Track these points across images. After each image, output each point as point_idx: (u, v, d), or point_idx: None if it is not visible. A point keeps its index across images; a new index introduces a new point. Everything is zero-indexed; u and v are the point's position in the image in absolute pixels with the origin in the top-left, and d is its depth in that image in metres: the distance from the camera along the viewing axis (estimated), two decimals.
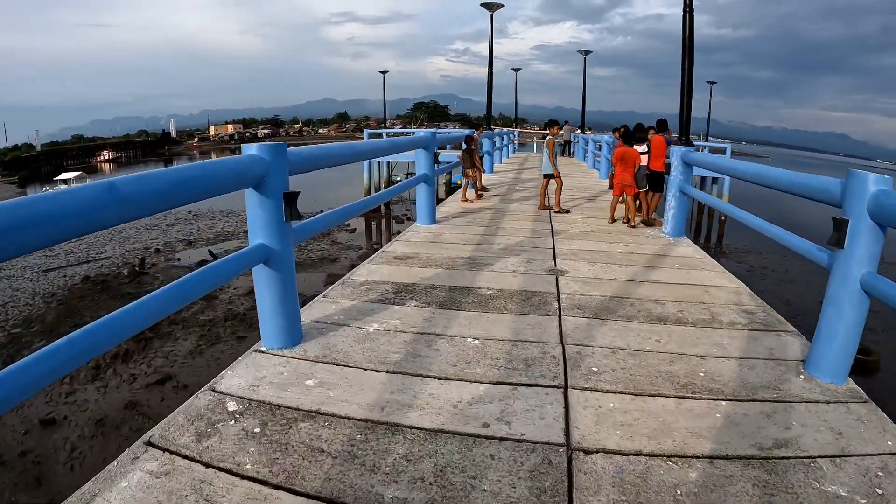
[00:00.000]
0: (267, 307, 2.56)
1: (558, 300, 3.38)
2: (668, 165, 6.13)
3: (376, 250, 5.05)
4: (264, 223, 2.45)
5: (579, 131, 21.70)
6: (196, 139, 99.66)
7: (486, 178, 10.47)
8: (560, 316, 3.09)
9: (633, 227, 6.27)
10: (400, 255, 4.53)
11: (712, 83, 27.99)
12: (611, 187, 9.66)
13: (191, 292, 2.01)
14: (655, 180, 6.52)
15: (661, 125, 6.96)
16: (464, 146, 8.53)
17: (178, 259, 13.99)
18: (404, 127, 79.02)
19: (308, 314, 3.03)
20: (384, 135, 24.94)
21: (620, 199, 6.65)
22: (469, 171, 8.29)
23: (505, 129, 19.34)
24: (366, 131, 24.90)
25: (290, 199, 2.53)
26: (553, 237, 5.55)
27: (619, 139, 7.59)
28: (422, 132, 5.80)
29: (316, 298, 3.37)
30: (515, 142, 23.43)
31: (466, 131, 10.40)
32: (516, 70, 27.38)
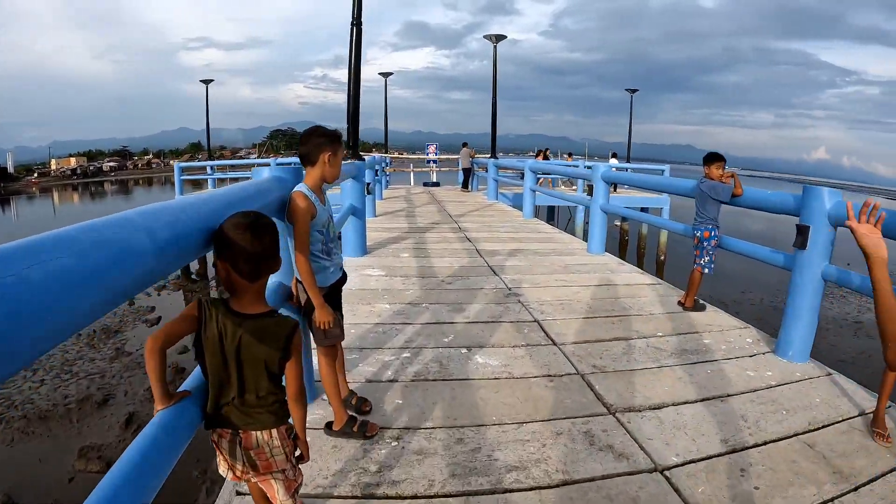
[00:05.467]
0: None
1: None
2: None
3: None
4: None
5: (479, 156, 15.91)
6: (36, 174, 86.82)
7: (359, 265, 4.09)
8: None
9: None
10: None
11: (633, 91, 23.86)
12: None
13: None
14: None
15: None
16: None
17: None
18: (259, 156, 71.78)
19: None
20: (208, 169, 17.55)
21: None
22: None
23: (379, 156, 13.03)
24: (176, 166, 17.18)
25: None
26: None
27: None
28: None
29: None
30: (388, 172, 17.10)
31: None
32: (386, 75, 21.16)
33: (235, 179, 18.46)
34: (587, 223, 6.30)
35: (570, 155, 22.03)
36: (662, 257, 18.65)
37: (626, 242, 20.44)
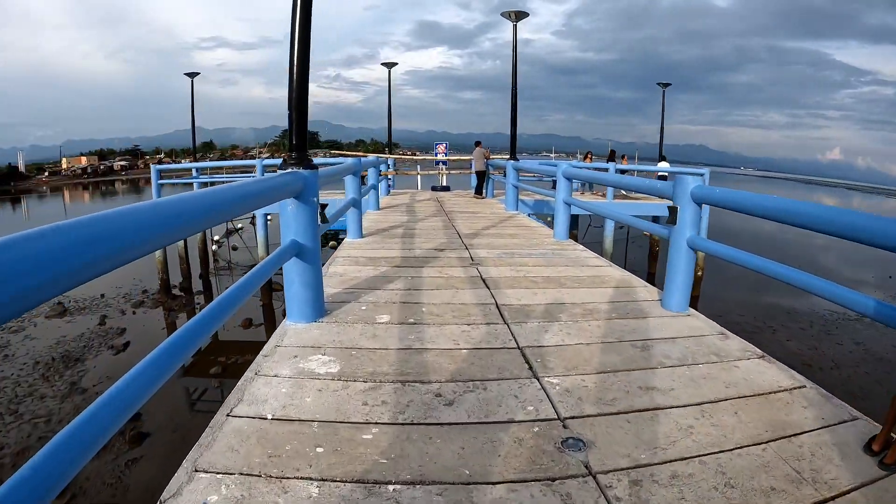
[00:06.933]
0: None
1: None
2: None
3: None
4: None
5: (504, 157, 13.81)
6: (46, 173, 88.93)
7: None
8: None
9: None
10: None
11: (665, 85, 21.58)
12: None
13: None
14: None
15: None
16: None
17: None
18: (272, 155, 71.46)
19: None
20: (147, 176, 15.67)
21: None
22: None
23: (373, 157, 10.98)
24: (153, 168, 15.24)
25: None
26: None
27: None
28: None
29: None
30: (391, 176, 14.98)
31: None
32: (389, 65, 18.91)
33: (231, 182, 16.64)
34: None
35: (624, 157, 19.61)
36: (700, 273, 16.59)
37: (658, 254, 18.38)
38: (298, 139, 3.14)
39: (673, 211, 3.93)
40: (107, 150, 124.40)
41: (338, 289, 4.18)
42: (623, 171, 16.47)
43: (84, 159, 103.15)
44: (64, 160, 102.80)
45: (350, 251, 5.74)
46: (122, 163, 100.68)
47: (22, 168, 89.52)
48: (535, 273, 4.91)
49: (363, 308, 3.70)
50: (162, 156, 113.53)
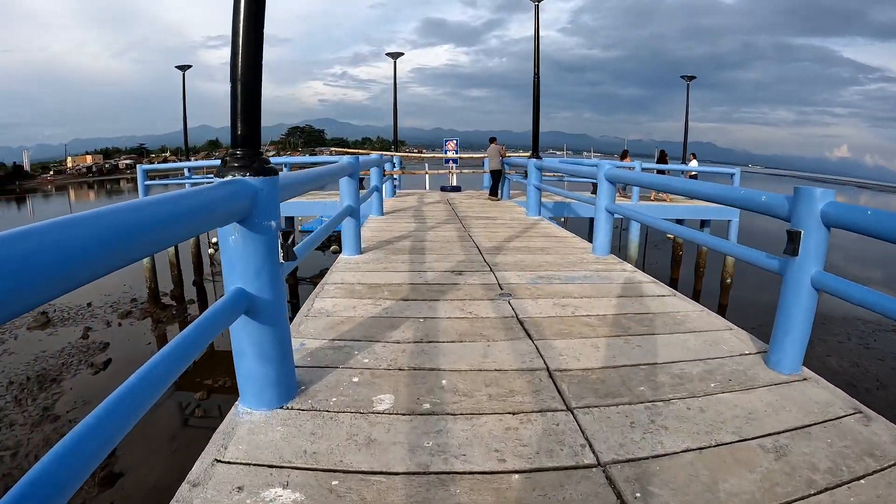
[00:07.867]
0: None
1: None
2: None
3: None
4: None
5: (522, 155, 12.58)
6: (51, 172, 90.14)
7: None
8: None
9: None
10: None
11: (690, 78, 20.29)
12: None
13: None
14: None
15: None
16: None
17: None
18: (278, 153, 71.47)
19: None
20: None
21: None
22: None
23: (377, 154, 9.78)
24: (139, 169, 14.09)
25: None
26: None
27: None
28: None
29: None
30: (396, 175, 13.77)
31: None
32: (395, 55, 17.67)
33: None
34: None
35: (664, 154, 18.24)
36: (729, 280, 15.46)
37: (681, 258, 17.21)
38: (246, 127, 1.95)
39: (794, 237, 2.75)
40: (112, 149, 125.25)
41: (321, 339, 3.03)
42: (658, 172, 15.40)
43: (89, 158, 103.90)
44: (69, 159, 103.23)
45: (344, 274, 4.59)
46: (127, 161, 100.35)
47: (27, 167, 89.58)
48: (585, 309, 3.74)
49: (355, 380, 2.53)
50: (168, 154, 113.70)
